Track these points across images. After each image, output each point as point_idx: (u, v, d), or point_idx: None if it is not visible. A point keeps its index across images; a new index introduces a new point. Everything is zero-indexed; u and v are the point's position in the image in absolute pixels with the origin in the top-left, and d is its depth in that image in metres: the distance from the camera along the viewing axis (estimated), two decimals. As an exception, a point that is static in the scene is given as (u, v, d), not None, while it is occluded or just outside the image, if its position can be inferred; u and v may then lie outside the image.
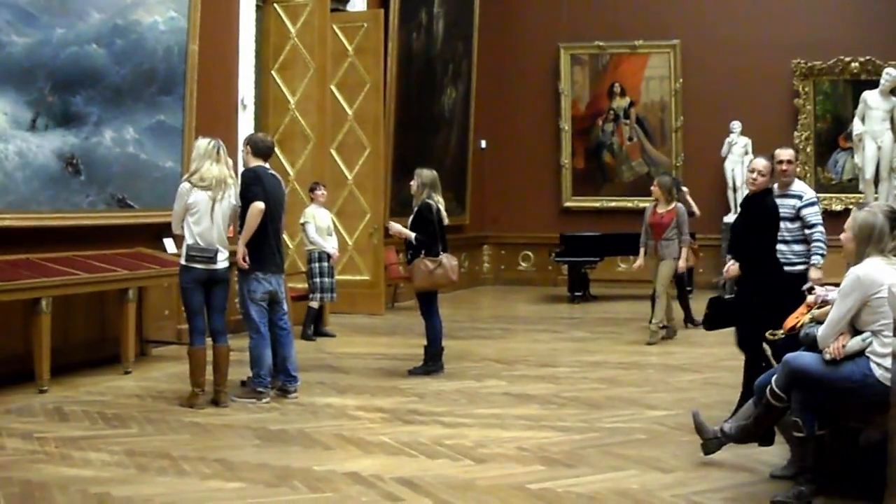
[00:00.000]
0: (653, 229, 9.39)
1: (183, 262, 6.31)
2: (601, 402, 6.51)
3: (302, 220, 9.54)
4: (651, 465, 4.96)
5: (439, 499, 4.41)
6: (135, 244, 8.19)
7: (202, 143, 6.35)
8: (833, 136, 14.16)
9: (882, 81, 11.51)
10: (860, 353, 4.23)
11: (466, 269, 14.32)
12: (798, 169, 8.67)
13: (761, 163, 5.80)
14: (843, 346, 4.24)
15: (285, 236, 7.44)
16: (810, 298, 4.91)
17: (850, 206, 11.72)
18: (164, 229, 7.49)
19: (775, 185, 6.19)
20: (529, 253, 15.57)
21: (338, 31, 11.24)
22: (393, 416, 6.13)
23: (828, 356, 4.26)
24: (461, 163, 14.46)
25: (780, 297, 5.41)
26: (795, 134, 14.02)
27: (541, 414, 6.18)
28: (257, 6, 10.39)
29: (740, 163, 13.46)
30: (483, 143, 15.30)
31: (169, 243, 8.36)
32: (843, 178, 14.13)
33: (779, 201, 5.99)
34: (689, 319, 10.16)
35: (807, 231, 6.21)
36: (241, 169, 7.00)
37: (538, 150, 15.29)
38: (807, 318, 4.75)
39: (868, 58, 13.64)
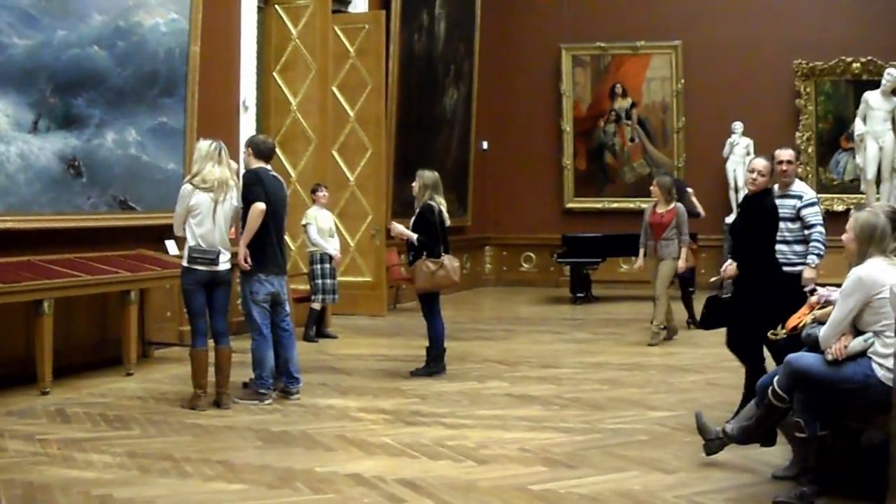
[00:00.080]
0: (652, 229, 9.38)
1: (185, 263, 6.31)
2: (603, 403, 6.51)
3: (304, 222, 9.54)
4: (653, 465, 4.96)
5: (441, 500, 4.40)
6: (136, 246, 8.20)
7: (204, 145, 6.35)
8: (834, 136, 14.15)
9: (883, 82, 11.52)
10: (862, 354, 4.23)
11: (468, 271, 14.32)
12: (799, 169, 8.67)
13: (761, 163, 5.79)
14: (845, 347, 4.23)
15: (287, 238, 7.43)
16: (812, 299, 4.90)
17: (852, 207, 11.74)
18: (166, 231, 7.50)
19: (775, 186, 6.18)
20: (531, 254, 15.57)
21: (339, 32, 11.23)
22: (395, 417, 6.13)
23: (830, 357, 4.25)
24: (463, 164, 14.45)
25: (779, 297, 5.41)
26: (797, 134, 14.01)
27: (543, 415, 6.17)
28: (259, 8, 10.38)
29: (742, 163, 13.41)
30: (485, 145, 15.28)
31: (171, 245, 8.36)
32: (844, 178, 14.12)
33: (779, 202, 5.98)
34: (691, 320, 10.16)
35: (806, 231, 6.19)
36: (241, 171, 7.00)
37: (540, 151, 15.29)
38: (809, 318, 4.75)
39: (869, 58, 13.62)
